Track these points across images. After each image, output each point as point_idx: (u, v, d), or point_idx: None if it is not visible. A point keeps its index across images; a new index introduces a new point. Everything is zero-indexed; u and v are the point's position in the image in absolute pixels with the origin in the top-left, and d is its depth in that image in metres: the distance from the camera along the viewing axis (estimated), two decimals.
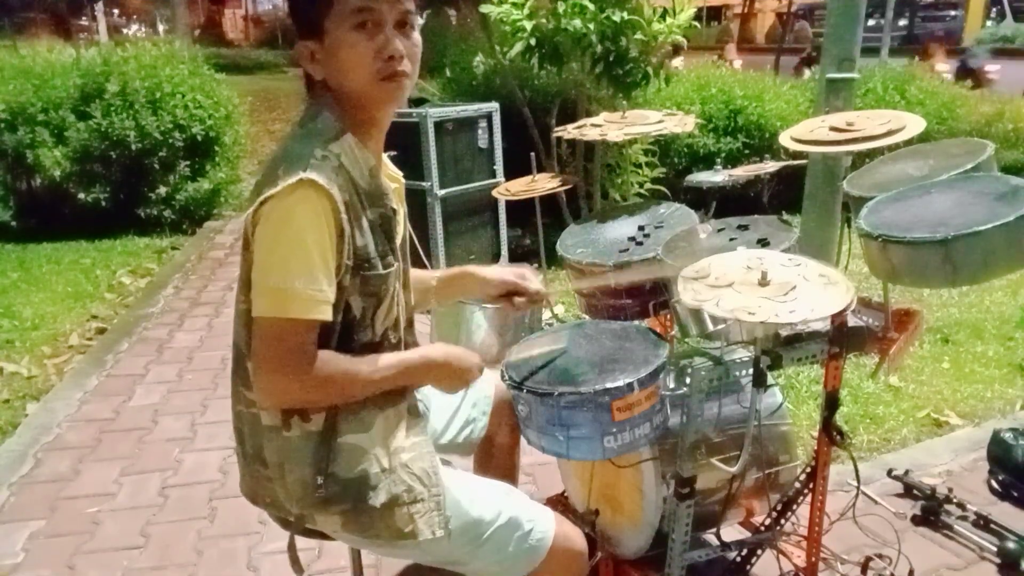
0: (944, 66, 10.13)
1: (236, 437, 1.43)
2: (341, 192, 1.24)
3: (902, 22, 20.68)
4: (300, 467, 1.31)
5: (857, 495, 1.80)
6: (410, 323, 1.49)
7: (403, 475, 1.35)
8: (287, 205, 1.20)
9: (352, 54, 1.27)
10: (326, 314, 1.24)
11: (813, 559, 1.85)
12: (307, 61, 1.31)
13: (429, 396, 1.67)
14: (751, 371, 1.53)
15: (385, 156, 1.45)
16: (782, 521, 1.85)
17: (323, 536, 1.45)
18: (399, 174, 1.50)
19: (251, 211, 1.23)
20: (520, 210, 4.23)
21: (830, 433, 1.70)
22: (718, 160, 4.92)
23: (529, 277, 1.66)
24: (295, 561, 1.46)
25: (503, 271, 1.66)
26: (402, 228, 1.42)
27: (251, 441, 1.38)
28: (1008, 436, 2.51)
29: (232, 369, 1.39)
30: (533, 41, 4.16)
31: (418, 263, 1.72)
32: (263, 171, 1.28)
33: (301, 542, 1.43)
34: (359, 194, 1.29)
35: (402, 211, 1.43)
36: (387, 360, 1.35)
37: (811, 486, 1.79)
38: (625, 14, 4.02)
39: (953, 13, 21.31)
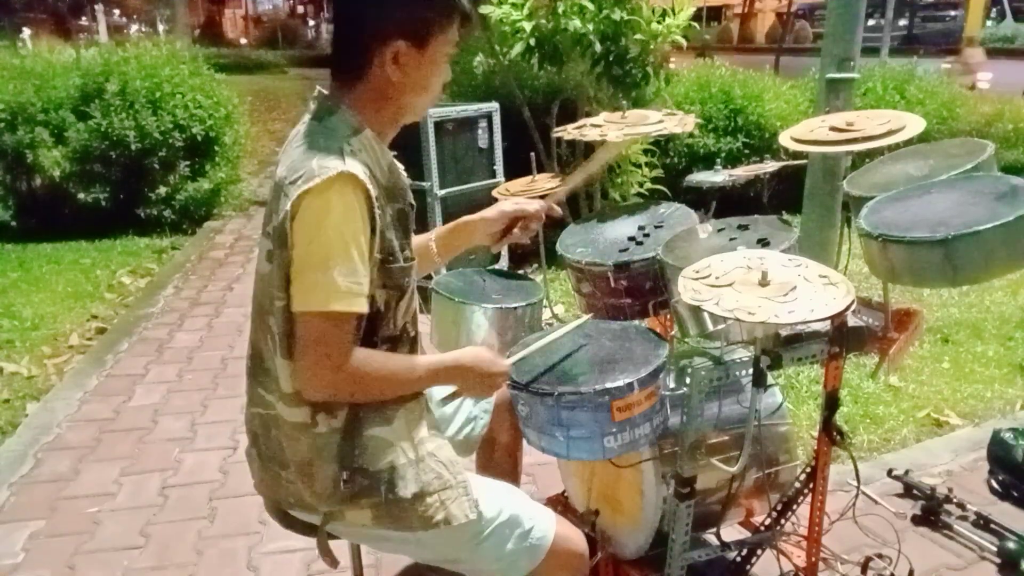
0: None
1: (250, 439, 1.43)
2: (372, 186, 1.25)
3: (902, 22, 20.67)
4: (328, 463, 1.31)
5: (857, 495, 1.80)
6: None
7: (431, 463, 1.37)
8: (326, 198, 1.21)
9: (439, 78, 1.38)
10: (364, 307, 1.26)
11: (813, 559, 1.85)
12: (390, 60, 1.30)
13: (430, 392, 1.67)
14: (751, 371, 1.53)
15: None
16: (782, 521, 1.85)
17: (332, 537, 1.44)
18: (402, 170, 1.51)
19: (289, 205, 1.22)
20: None
21: (830, 433, 1.70)
22: (718, 160, 4.90)
23: (523, 201, 1.66)
24: (328, 553, 1.42)
25: (498, 205, 1.66)
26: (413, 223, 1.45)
27: (268, 443, 1.38)
28: (1008, 436, 2.51)
29: (249, 371, 1.39)
30: (533, 41, 4.16)
31: None
32: (291, 165, 1.27)
33: (301, 541, 1.43)
34: (381, 188, 1.31)
35: None
36: (423, 362, 1.38)
37: (811, 486, 1.79)
38: (625, 14, 4.02)
39: (953, 13, 21.28)
